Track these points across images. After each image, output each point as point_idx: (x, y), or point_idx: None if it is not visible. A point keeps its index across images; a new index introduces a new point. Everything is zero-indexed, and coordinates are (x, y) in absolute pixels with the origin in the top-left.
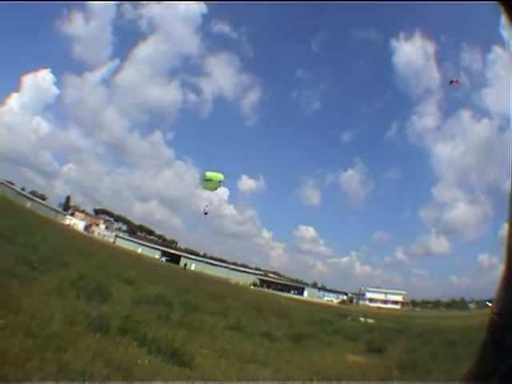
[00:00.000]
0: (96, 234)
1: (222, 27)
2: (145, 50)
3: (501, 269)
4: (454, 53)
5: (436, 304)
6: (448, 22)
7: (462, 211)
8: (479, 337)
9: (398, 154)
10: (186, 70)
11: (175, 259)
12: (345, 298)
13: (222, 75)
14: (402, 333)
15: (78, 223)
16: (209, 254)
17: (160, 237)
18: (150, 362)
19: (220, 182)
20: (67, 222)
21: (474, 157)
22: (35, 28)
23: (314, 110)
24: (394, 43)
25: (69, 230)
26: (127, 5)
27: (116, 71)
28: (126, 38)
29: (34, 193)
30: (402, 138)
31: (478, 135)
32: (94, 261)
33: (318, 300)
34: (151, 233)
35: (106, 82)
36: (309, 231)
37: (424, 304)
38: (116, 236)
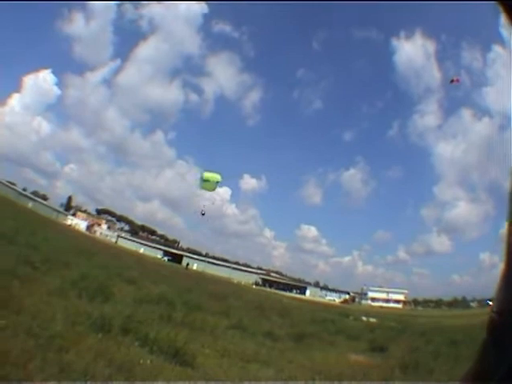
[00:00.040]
0: (98, 234)
1: (222, 27)
2: (146, 49)
3: (501, 267)
4: (454, 52)
5: (438, 303)
6: (448, 21)
7: (463, 210)
8: (481, 336)
9: (400, 152)
10: (187, 70)
11: (177, 259)
12: (347, 297)
13: (224, 75)
14: (403, 332)
15: (79, 223)
16: (211, 254)
17: (162, 236)
18: (152, 361)
19: (217, 182)
20: (69, 222)
21: (475, 155)
22: (36, 28)
23: (315, 110)
24: (394, 42)
25: (70, 230)
26: (128, 5)
27: (117, 71)
28: (127, 38)
29: (35, 193)
30: (403, 136)
31: (479, 134)
32: (95, 261)
33: (320, 299)
34: (153, 233)
35: (107, 82)
36: (311, 230)
37: (426, 303)
38: (118, 236)
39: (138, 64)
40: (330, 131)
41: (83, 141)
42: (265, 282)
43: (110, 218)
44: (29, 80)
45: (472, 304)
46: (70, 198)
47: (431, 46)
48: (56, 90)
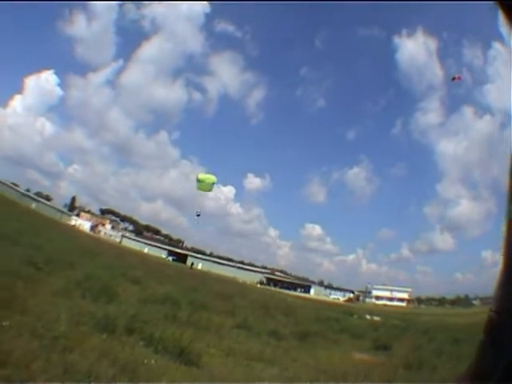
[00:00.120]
0: (102, 234)
1: (225, 26)
2: (148, 50)
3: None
4: (455, 49)
5: (441, 301)
6: (449, 19)
7: (465, 208)
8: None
9: (403, 150)
10: (190, 70)
11: (182, 258)
12: (351, 295)
13: (227, 74)
14: (407, 330)
15: (83, 223)
16: (215, 253)
17: (166, 236)
18: (157, 361)
19: (213, 183)
20: (73, 222)
21: (477, 153)
22: (37, 29)
23: (318, 108)
24: (396, 40)
25: (74, 230)
26: (129, 5)
27: (120, 72)
28: (129, 38)
29: (39, 194)
30: (406, 134)
31: (481, 131)
32: (99, 261)
33: (325, 298)
34: (157, 232)
35: (110, 83)
36: (315, 229)
37: (429, 301)
38: (122, 236)
39: (140, 64)
40: (333, 129)
41: (87, 141)
42: (269, 281)
43: (113, 218)
44: (31, 81)
45: (474, 302)
46: (73, 199)
47: (433, 44)
48: (59, 91)
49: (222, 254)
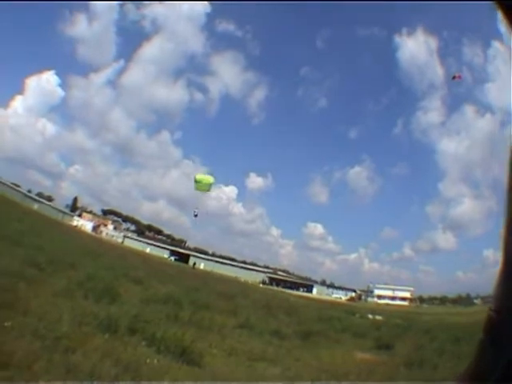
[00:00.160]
0: (104, 234)
1: (226, 26)
2: (149, 50)
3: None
4: (455, 48)
5: (442, 300)
6: (449, 18)
7: (467, 206)
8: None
9: (405, 149)
10: (191, 70)
11: (184, 258)
12: (353, 295)
13: (228, 74)
14: (409, 329)
15: (85, 224)
16: (218, 253)
17: (169, 236)
18: (159, 361)
19: (210, 184)
20: (75, 223)
21: (479, 151)
22: (38, 30)
23: (320, 107)
24: (397, 39)
25: (76, 231)
26: (130, 5)
27: (121, 72)
28: (130, 38)
29: (40, 194)
30: (407, 133)
31: (482, 130)
32: (102, 261)
33: (327, 297)
34: (160, 232)
35: (112, 83)
36: (317, 228)
37: (431, 300)
38: (124, 236)
39: (142, 64)
40: (335, 129)
41: (88, 142)
42: (272, 281)
43: (115, 218)
44: (32, 82)
45: (476, 301)
46: (75, 199)
47: (433, 43)
48: (60, 92)
49: (224, 253)
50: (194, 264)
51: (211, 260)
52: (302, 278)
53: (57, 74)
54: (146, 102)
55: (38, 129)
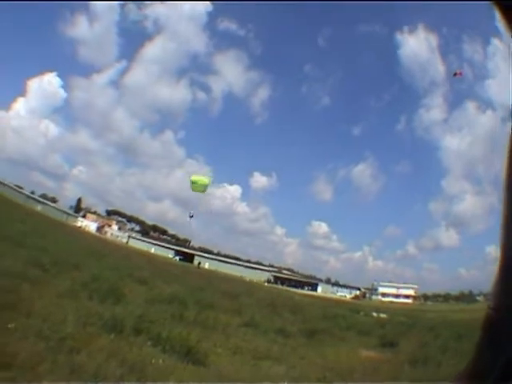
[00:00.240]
0: (109, 235)
1: (228, 25)
2: (152, 50)
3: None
4: (456, 45)
5: (446, 297)
6: (449, 15)
7: (470, 203)
8: None
9: (407, 147)
10: (194, 69)
11: (189, 258)
12: (358, 293)
13: (231, 73)
14: (413, 327)
15: (89, 225)
16: (222, 252)
17: (173, 236)
18: (164, 361)
19: (206, 185)
20: (79, 223)
21: (481, 148)
22: (39, 32)
23: (323, 105)
24: (398, 37)
25: (80, 231)
26: (131, 5)
27: (123, 72)
28: (132, 38)
29: (44, 196)
30: (410, 130)
31: (484, 126)
32: (106, 262)
33: (332, 296)
34: (164, 232)
35: (114, 84)
36: (321, 227)
37: (435, 298)
38: (129, 236)
39: (144, 64)
40: (338, 127)
41: (91, 142)
42: (277, 280)
43: (120, 218)
44: (34, 83)
45: (478, 298)
46: (79, 200)
47: (434, 40)
48: (62, 93)
49: (228, 253)
50: (199, 264)
51: (216, 259)
52: (306, 277)
53: (59, 75)
54: (149, 102)
55: (40, 130)
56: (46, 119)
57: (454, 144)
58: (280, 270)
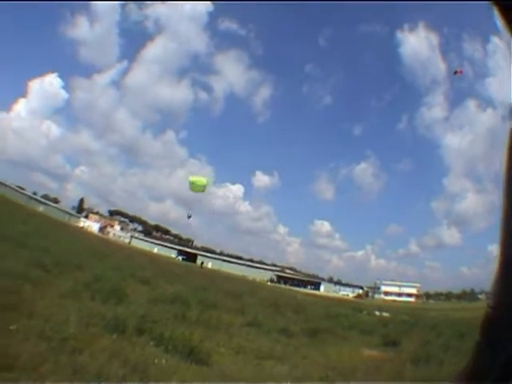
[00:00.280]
0: (111, 235)
1: (229, 25)
2: (153, 50)
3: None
4: (456, 43)
5: (448, 296)
6: (449, 13)
7: (471, 202)
8: None
9: (409, 145)
10: (195, 69)
11: (192, 258)
12: (360, 291)
13: (232, 73)
14: (415, 326)
15: (92, 225)
16: (225, 252)
17: (176, 236)
18: (167, 361)
19: (204, 186)
20: (81, 224)
21: (482, 146)
22: (40, 33)
23: (324, 105)
24: (399, 35)
25: (83, 232)
26: (132, 6)
27: (125, 73)
28: (133, 39)
29: (46, 196)
30: (411, 129)
31: (485, 124)
32: (109, 262)
33: (334, 294)
34: (167, 232)
35: (116, 84)
36: (324, 225)
37: (437, 296)
38: (131, 236)
39: (145, 65)
40: (339, 126)
41: (93, 143)
42: (279, 279)
43: (122, 219)
44: (35, 84)
45: (480, 296)
46: (81, 201)
47: (434, 39)
48: (63, 94)
49: (231, 252)
50: (202, 263)
51: (219, 259)
52: (309, 276)
53: (60, 76)
54: (151, 102)
55: (42, 131)
56: (47, 120)
57: (455, 142)
58: (283, 269)
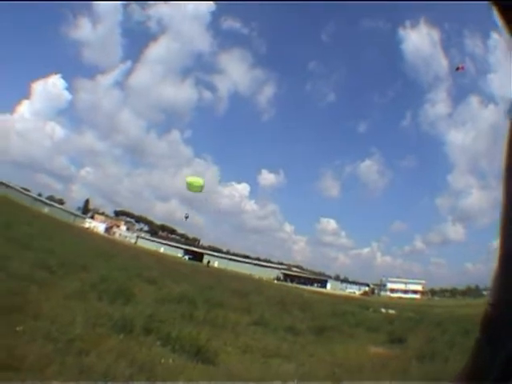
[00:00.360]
0: (117, 235)
1: (232, 24)
2: (156, 50)
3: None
4: (458, 39)
5: (453, 292)
6: (451, 9)
7: (475, 197)
8: None
9: (413, 142)
10: (199, 68)
11: (198, 257)
12: (366, 289)
13: (236, 71)
14: (421, 322)
15: (97, 226)
16: (232, 251)
17: (182, 235)
18: (174, 360)
19: (200, 186)
20: (87, 225)
21: (486, 142)
22: (42, 34)
23: (328, 102)
24: (401, 32)
25: (88, 232)
26: (134, 6)
27: (128, 73)
28: (137, 39)
29: (51, 198)
30: (415, 126)
31: (488, 120)
32: (115, 262)
33: (341, 292)
34: (173, 232)
35: (120, 85)
36: (330, 223)
37: (442, 292)
38: (137, 237)
39: (149, 65)
40: (344, 123)
41: (98, 144)
42: (286, 277)
43: (128, 219)
44: (38, 86)
45: (484, 292)
46: (87, 201)
47: (436, 35)
48: (67, 95)
49: (237, 251)
50: (208, 262)
51: (225, 258)
52: (315, 274)
53: (63, 77)
54: (155, 102)
55: (46, 133)
56: (51, 121)
57: (458, 139)
58: (289, 267)
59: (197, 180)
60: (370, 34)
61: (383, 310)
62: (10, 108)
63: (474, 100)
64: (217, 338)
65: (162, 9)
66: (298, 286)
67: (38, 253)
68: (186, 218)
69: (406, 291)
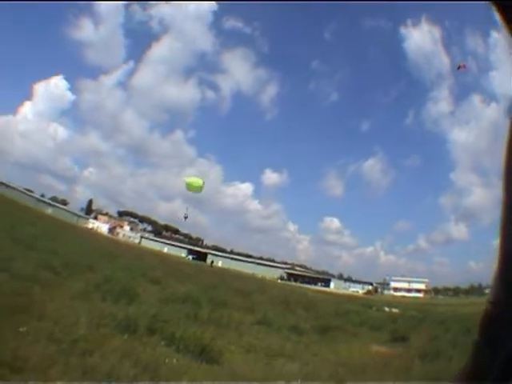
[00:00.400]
0: (121, 235)
1: (234, 23)
2: (158, 50)
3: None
4: (459, 37)
5: (456, 291)
6: (452, 7)
7: (478, 196)
8: None
9: (416, 140)
10: (202, 68)
11: (202, 257)
12: (370, 288)
13: (239, 71)
14: (424, 321)
15: (101, 226)
16: (235, 250)
17: (186, 235)
18: (178, 360)
19: (199, 186)
20: (90, 225)
21: (488, 140)
22: (43, 35)
23: (331, 101)
24: (403, 30)
25: (92, 233)
26: (136, 6)
27: (131, 73)
28: (139, 39)
29: (54, 199)
30: (418, 124)
31: (490, 118)
32: (119, 263)
33: (344, 291)
34: (177, 232)
35: (122, 85)
36: (333, 222)
37: (445, 291)
38: (141, 237)
39: (151, 65)
40: (347, 122)
41: (101, 144)
42: (290, 276)
43: (132, 219)
44: (41, 87)
45: (487, 291)
46: (90, 202)
47: (438, 33)
48: (70, 96)
49: (241, 250)
50: (212, 262)
51: (229, 257)
52: (319, 273)
53: (65, 78)
54: (158, 102)
55: (49, 133)
56: (54, 122)
57: (461, 137)
58: (293, 266)
59: (196, 180)
60: (372, 32)
61: (386, 309)
62: (12, 109)
63: (476, 98)
64: (221, 337)
65: (163, 9)
66: (301, 285)
67: (41, 253)
68: (186, 218)
69: (409, 290)
